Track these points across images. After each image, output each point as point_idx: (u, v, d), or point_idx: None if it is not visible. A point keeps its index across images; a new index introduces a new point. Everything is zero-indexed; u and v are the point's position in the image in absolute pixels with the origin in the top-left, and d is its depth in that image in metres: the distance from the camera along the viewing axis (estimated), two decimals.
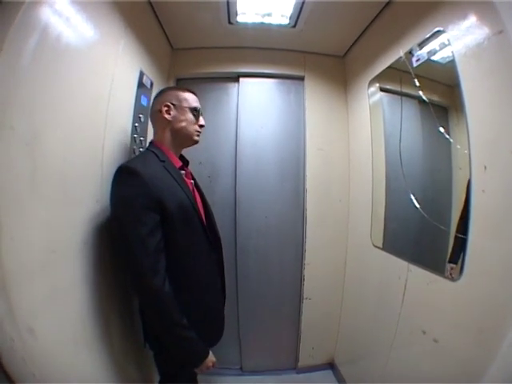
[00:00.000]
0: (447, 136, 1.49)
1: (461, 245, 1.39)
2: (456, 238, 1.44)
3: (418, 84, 1.66)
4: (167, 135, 1.40)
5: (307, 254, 2.48)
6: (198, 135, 1.47)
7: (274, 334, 2.55)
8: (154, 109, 1.44)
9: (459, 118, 1.46)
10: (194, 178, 1.54)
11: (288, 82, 2.57)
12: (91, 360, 1.23)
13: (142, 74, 1.79)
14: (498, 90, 1.15)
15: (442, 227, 1.48)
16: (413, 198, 1.68)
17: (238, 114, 2.50)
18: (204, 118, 1.48)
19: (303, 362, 2.55)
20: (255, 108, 2.52)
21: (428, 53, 1.57)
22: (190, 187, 1.43)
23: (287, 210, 2.52)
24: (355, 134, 2.46)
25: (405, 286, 1.67)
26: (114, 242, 1.40)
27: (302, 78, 2.55)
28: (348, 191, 2.54)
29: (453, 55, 1.36)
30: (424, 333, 1.48)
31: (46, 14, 0.97)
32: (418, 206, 1.65)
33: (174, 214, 1.22)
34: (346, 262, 2.53)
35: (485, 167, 1.19)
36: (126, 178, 1.19)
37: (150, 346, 1.42)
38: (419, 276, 1.57)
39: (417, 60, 1.65)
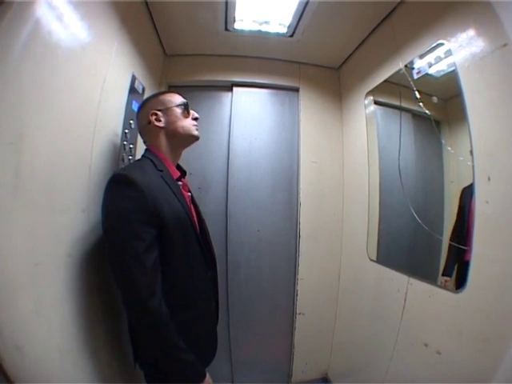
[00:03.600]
0: (449, 148, 1.50)
1: (454, 258, 1.44)
2: (449, 250, 1.47)
3: (418, 96, 1.65)
4: (163, 141, 1.32)
5: (300, 269, 2.42)
6: (197, 129, 1.39)
7: (266, 349, 2.46)
8: (142, 123, 1.37)
9: (451, 132, 1.52)
10: (190, 191, 1.46)
11: (282, 92, 2.55)
12: (78, 378, 1.13)
13: (134, 79, 1.73)
14: (501, 102, 1.15)
15: (438, 236, 1.50)
16: (412, 210, 1.66)
17: (230, 124, 2.46)
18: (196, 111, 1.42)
19: (296, 377, 2.46)
20: (248, 118, 2.48)
21: (428, 63, 1.57)
22: (187, 200, 1.35)
23: (280, 224, 2.47)
24: (350, 146, 2.45)
25: (405, 299, 1.65)
26: (105, 256, 1.28)
27: (296, 90, 2.54)
28: (342, 204, 2.51)
29: (455, 68, 1.37)
30: (426, 345, 1.46)
31: (38, 6, 0.92)
32: (418, 218, 1.63)
33: (171, 229, 1.15)
34: (339, 276, 2.49)
35: (488, 178, 1.19)
36: (122, 188, 1.09)
37: (140, 366, 1.31)
38: (420, 289, 1.56)
39: (418, 72, 1.65)
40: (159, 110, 1.32)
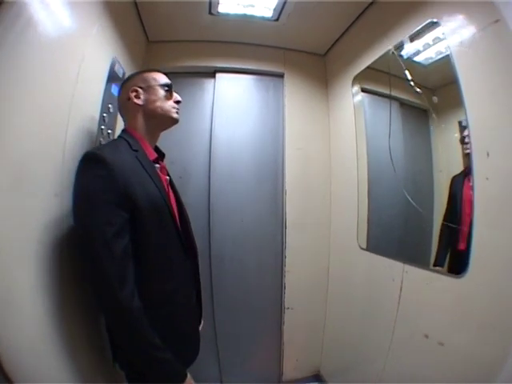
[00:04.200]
0: (443, 125, 1.51)
1: (446, 247, 1.46)
2: (440, 240, 1.49)
3: (409, 76, 1.64)
4: (140, 121, 1.26)
5: (287, 261, 2.37)
6: (177, 112, 1.32)
7: (255, 346, 2.40)
8: (122, 99, 1.31)
9: (440, 121, 1.53)
10: (169, 175, 1.38)
11: (267, 78, 2.51)
12: (54, 375, 1.06)
13: (114, 62, 1.67)
14: (497, 78, 1.15)
15: (428, 215, 1.51)
16: (406, 193, 1.64)
17: (213, 112, 2.40)
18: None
19: (288, 375, 2.41)
20: (231, 105, 2.43)
21: (416, 50, 1.59)
22: (165, 184, 1.28)
23: (265, 214, 2.42)
24: (336, 133, 2.44)
25: (400, 289, 1.61)
26: (76, 244, 1.20)
27: (281, 75, 2.50)
28: (329, 192, 2.49)
29: (448, 46, 1.36)
30: (426, 337, 1.41)
31: None
32: (412, 201, 1.61)
33: (145, 213, 1.08)
34: (329, 267, 2.45)
35: (487, 153, 1.16)
36: (92, 167, 1.03)
37: (120, 366, 1.22)
38: (417, 276, 1.53)
39: (407, 52, 1.64)
40: (140, 87, 1.26)
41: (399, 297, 1.61)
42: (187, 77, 2.44)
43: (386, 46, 1.76)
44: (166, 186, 1.26)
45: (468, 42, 1.25)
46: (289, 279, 2.37)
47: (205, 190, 2.35)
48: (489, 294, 1.13)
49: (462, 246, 1.36)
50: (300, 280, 2.40)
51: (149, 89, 1.27)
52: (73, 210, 1.07)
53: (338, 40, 2.34)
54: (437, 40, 1.43)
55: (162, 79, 1.32)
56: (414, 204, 1.59)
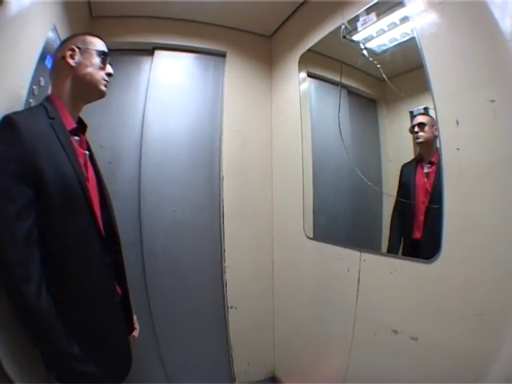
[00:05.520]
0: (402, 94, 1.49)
1: (399, 234, 1.49)
2: (392, 228, 1.52)
3: (362, 47, 1.64)
4: (67, 85, 1.18)
5: (227, 255, 2.30)
6: (106, 85, 1.27)
7: (201, 350, 2.27)
8: (57, 57, 1.22)
9: (389, 110, 1.56)
10: (90, 150, 1.28)
11: (207, 57, 2.47)
12: None
13: (52, 33, 1.56)
14: (462, 43, 1.13)
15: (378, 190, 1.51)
16: (360, 173, 1.63)
17: (147, 92, 2.30)
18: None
19: (240, 379, 2.32)
20: (168, 85, 2.37)
21: (369, 35, 1.59)
22: (82, 159, 1.17)
23: (200, 202, 2.34)
24: (279, 117, 2.44)
25: (358, 280, 1.55)
26: None
27: (223, 55, 2.47)
28: (271, 179, 2.48)
29: (410, 16, 1.34)
30: (395, 332, 1.33)
31: None
32: (366, 179, 1.60)
33: (53, 191, 0.98)
34: (273, 260, 2.43)
35: (457, 122, 1.12)
36: (2, 131, 0.95)
37: (55, 377, 1.05)
38: (377, 265, 1.46)
39: (363, 24, 1.60)
40: (78, 48, 1.20)
41: (357, 289, 1.55)
42: (124, 54, 2.30)
43: (339, 22, 1.73)
44: (81, 162, 1.16)
45: (431, 10, 1.22)
46: (230, 276, 2.30)
47: (135, 177, 2.23)
48: (468, 277, 1.06)
49: (417, 235, 1.39)
50: (242, 276, 2.35)
51: (85, 52, 1.22)
52: None
53: (286, 20, 2.33)
54: (392, 26, 1.45)
55: (100, 46, 1.28)
56: (369, 183, 1.58)
